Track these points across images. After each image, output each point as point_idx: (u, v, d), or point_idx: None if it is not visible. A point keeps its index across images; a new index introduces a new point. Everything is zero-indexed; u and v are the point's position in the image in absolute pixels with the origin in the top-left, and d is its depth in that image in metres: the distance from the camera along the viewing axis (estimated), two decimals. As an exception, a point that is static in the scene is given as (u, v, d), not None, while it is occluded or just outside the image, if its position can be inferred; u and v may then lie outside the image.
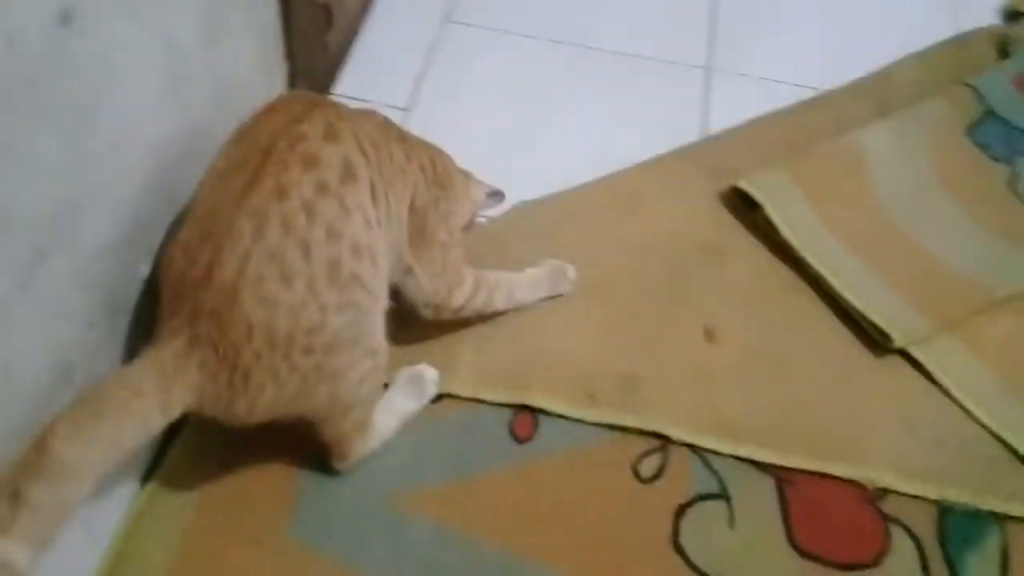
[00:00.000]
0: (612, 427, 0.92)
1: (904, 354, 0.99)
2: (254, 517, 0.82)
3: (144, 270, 0.77)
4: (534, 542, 0.84)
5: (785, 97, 1.26)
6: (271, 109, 0.76)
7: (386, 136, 0.81)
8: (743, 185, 1.09)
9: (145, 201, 0.75)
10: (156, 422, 0.65)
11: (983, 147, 1.17)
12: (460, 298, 0.89)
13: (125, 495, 0.81)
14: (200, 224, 0.69)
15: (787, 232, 1.06)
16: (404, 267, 0.84)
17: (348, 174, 0.72)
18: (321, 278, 0.69)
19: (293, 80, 1.05)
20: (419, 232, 0.84)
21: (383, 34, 1.29)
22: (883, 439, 0.93)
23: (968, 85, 1.22)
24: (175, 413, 0.66)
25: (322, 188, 0.69)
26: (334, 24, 1.14)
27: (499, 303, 0.95)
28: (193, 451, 0.85)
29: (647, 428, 0.91)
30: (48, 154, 0.61)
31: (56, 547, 0.69)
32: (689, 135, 1.20)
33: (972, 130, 1.20)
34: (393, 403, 0.89)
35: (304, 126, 0.72)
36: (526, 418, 0.92)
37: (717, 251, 1.07)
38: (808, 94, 1.26)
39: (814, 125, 1.21)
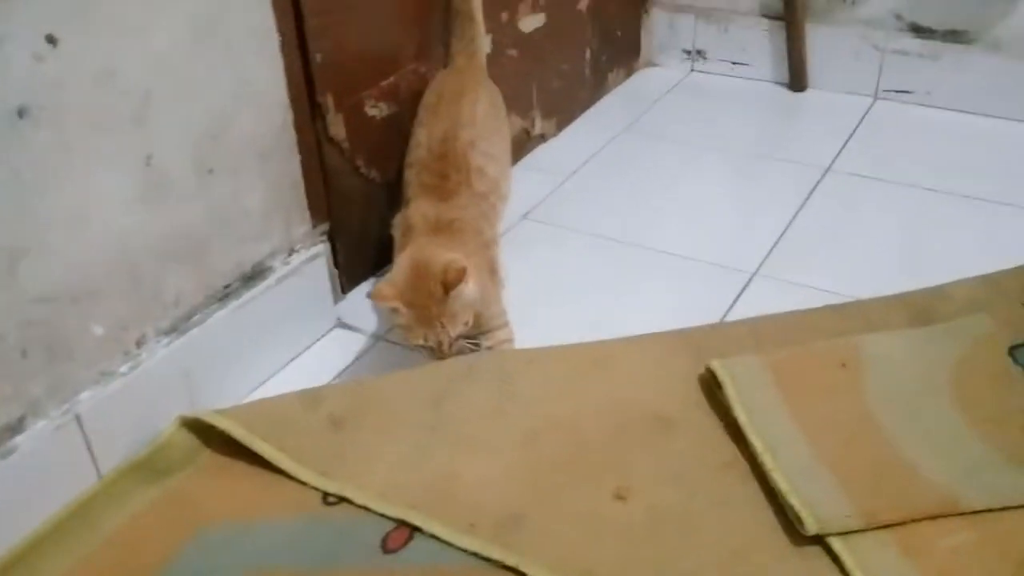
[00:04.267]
0: (478, 556, 0.92)
1: (830, 550, 0.90)
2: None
3: (98, 330, 0.97)
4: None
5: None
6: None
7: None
8: (712, 364, 1.08)
9: (100, 273, 0.95)
10: None
11: (1025, 366, 1.06)
12: None
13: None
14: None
15: (739, 410, 1.02)
16: None
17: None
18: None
19: (332, 239, 1.25)
20: None
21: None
22: (758, 624, 0.84)
23: (1026, 306, 1.12)
24: None
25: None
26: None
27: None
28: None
29: (506, 562, 0.90)
30: (-7, 206, 0.84)
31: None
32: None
33: (1019, 349, 1.09)
34: None
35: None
36: (402, 533, 0.95)
37: (669, 423, 1.05)
38: (848, 303, 1.23)
39: (831, 326, 1.17)
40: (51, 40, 0.85)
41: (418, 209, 1.18)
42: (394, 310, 1.06)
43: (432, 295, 1.05)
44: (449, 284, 1.04)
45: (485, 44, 1.35)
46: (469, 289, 1.06)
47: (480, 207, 1.20)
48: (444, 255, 1.07)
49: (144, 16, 0.92)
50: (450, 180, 1.19)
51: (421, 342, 1.08)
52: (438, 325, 1.06)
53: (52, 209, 0.89)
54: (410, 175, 1.22)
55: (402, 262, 1.09)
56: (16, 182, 0.85)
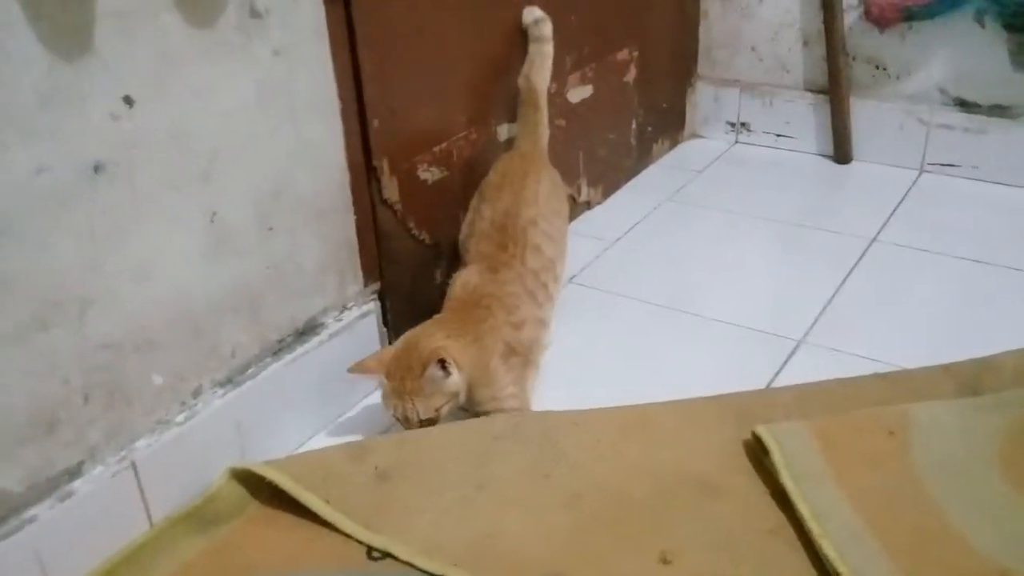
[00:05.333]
0: (520, 615, 0.92)
1: (880, 620, 0.88)
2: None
3: (157, 379, 1.00)
4: None
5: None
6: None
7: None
8: (759, 430, 1.08)
9: (162, 323, 0.98)
10: None
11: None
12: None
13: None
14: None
15: (785, 476, 1.02)
16: None
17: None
18: None
19: (382, 298, 1.28)
20: None
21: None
22: None
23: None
24: None
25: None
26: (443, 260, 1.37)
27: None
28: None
29: (549, 621, 0.90)
30: (64, 256, 0.88)
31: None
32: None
33: (1073, 421, 1.08)
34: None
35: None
36: (445, 590, 0.95)
37: (714, 487, 1.05)
38: (895, 372, 1.22)
39: (877, 394, 1.16)
40: (128, 101, 0.89)
41: (466, 275, 1.22)
42: (378, 381, 1.13)
43: (411, 370, 1.09)
44: (425, 364, 1.08)
45: (547, 128, 1.41)
46: (449, 379, 1.10)
47: (527, 285, 1.23)
48: (437, 340, 1.11)
49: (215, 80, 0.97)
50: (507, 251, 1.23)
51: (392, 412, 1.13)
52: (408, 400, 1.10)
53: (121, 260, 0.92)
54: (470, 244, 1.27)
55: (403, 338, 1.15)
56: (89, 234, 0.89)
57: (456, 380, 1.11)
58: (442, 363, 1.09)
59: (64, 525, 0.92)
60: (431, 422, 1.13)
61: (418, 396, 1.10)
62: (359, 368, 1.13)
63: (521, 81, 1.39)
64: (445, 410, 1.13)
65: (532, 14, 1.40)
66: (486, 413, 1.17)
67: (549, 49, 1.40)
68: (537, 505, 1.04)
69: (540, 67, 1.39)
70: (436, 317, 1.19)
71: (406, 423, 1.13)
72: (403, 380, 1.10)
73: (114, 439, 0.97)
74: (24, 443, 0.88)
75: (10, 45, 0.78)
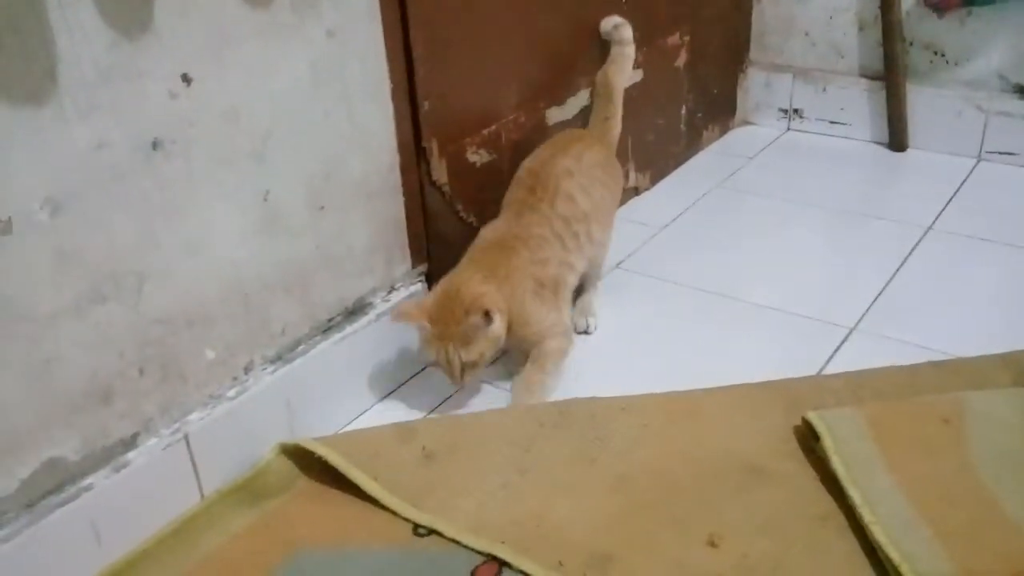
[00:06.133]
0: (565, 594, 0.92)
1: (931, 608, 0.87)
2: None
3: (210, 354, 1.01)
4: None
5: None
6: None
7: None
8: (810, 416, 1.07)
9: (215, 299, 1.00)
10: None
11: None
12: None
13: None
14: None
15: (836, 462, 1.00)
16: None
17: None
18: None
19: (429, 279, 1.28)
20: None
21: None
22: None
23: None
24: None
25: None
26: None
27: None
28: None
29: (593, 601, 0.90)
30: (121, 231, 0.89)
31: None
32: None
33: None
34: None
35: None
36: (491, 568, 0.95)
37: (763, 473, 1.04)
38: (950, 361, 1.20)
39: (931, 382, 1.14)
40: (186, 79, 0.91)
41: (494, 222, 1.27)
42: (420, 326, 1.14)
43: (454, 315, 1.12)
44: (469, 311, 1.11)
45: (618, 125, 1.47)
46: (492, 327, 1.13)
47: (555, 227, 1.25)
48: (476, 285, 1.14)
49: (270, 61, 0.98)
50: (535, 194, 1.26)
51: (433, 357, 1.15)
52: (451, 346, 1.12)
53: (176, 236, 0.94)
54: (506, 196, 1.30)
55: (441, 285, 1.17)
56: (147, 209, 0.90)
57: (498, 327, 1.14)
58: (486, 313, 1.11)
59: (119, 494, 0.94)
60: (473, 365, 1.15)
61: (461, 342, 1.12)
62: (401, 314, 1.15)
63: (599, 76, 1.46)
64: (488, 355, 1.15)
65: (611, 21, 1.47)
66: (530, 348, 1.21)
67: (631, 51, 1.47)
68: (583, 489, 1.04)
69: (621, 66, 1.46)
70: (467, 259, 1.21)
71: (448, 367, 1.15)
72: (447, 325, 1.12)
73: (168, 412, 0.98)
74: (80, 413, 0.90)
75: (71, 18, 0.80)
